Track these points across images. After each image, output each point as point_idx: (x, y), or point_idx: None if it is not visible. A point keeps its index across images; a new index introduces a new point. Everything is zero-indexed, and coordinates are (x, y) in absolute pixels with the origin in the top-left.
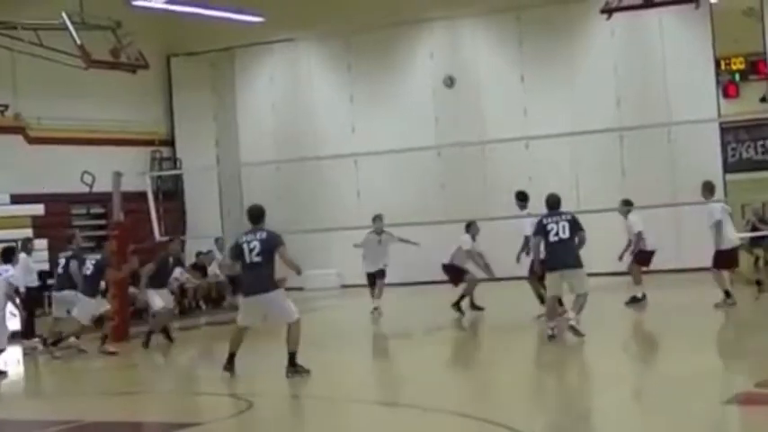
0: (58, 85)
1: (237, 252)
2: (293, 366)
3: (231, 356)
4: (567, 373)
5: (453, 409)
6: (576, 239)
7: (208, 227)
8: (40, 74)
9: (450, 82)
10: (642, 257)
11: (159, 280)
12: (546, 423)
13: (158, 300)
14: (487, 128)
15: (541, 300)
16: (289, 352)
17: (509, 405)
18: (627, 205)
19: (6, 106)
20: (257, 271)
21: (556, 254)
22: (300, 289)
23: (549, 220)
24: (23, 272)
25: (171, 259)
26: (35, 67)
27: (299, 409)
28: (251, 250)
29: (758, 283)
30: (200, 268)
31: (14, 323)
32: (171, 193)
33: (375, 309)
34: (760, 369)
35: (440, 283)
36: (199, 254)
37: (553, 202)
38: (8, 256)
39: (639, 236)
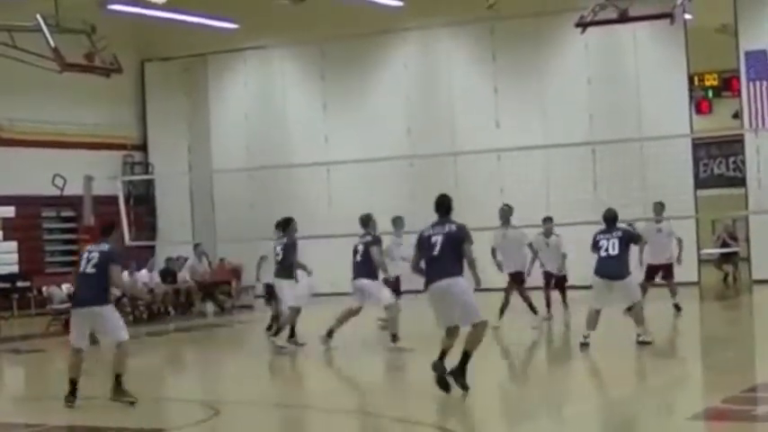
0: (32, 88)
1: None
2: (118, 390)
3: (71, 383)
4: (529, 386)
5: (422, 419)
6: (628, 253)
7: (178, 233)
8: (14, 76)
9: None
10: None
11: (287, 269)
12: None
13: (289, 292)
14: (460, 139)
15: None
16: (114, 373)
17: (469, 415)
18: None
19: None
20: (89, 282)
21: (603, 266)
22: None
23: (602, 236)
24: None
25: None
26: (8, 69)
27: (265, 417)
28: (89, 260)
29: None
30: (169, 274)
31: None
32: (142, 198)
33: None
34: (728, 384)
35: (407, 293)
36: (168, 259)
37: (609, 219)
38: None
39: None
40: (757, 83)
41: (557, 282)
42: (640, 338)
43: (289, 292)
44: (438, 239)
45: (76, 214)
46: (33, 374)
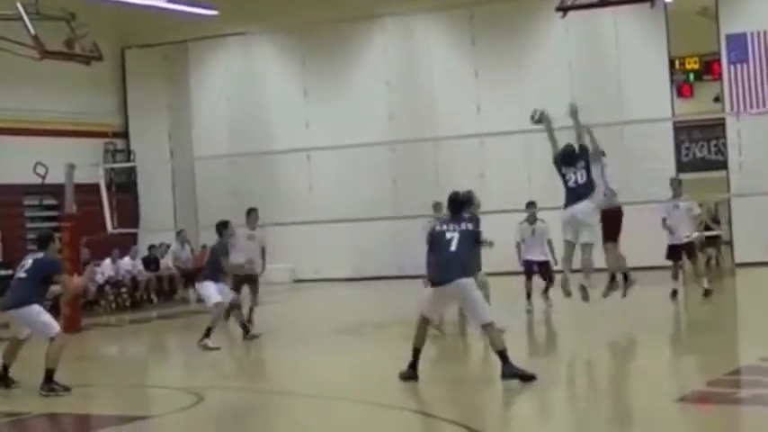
0: (12, 76)
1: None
2: (48, 384)
3: (4, 368)
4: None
5: (404, 404)
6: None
7: (161, 220)
8: None
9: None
10: None
11: (213, 271)
12: (496, 420)
13: (212, 290)
14: (441, 124)
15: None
16: (46, 368)
17: (456, 401)
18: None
19: None
20: (17, 286)
21: (571, 196)
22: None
23: (567, 170)
24: None
25: (222, 248)
26: None
27: (249, 403)
28: (22, 266)
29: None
30: (152, 261)
31: None
32: (124, 186)
33: None
34: (712, 367)
35: (390, 278)
36: (151, 246)
37: (569, 152)
38: None
39: None
40: (738, 66)
41: (542, 270)
42: (583, 284)
43: (212, 291)
44: (454, 236)
45: (58, 202)
46: (16, 362)
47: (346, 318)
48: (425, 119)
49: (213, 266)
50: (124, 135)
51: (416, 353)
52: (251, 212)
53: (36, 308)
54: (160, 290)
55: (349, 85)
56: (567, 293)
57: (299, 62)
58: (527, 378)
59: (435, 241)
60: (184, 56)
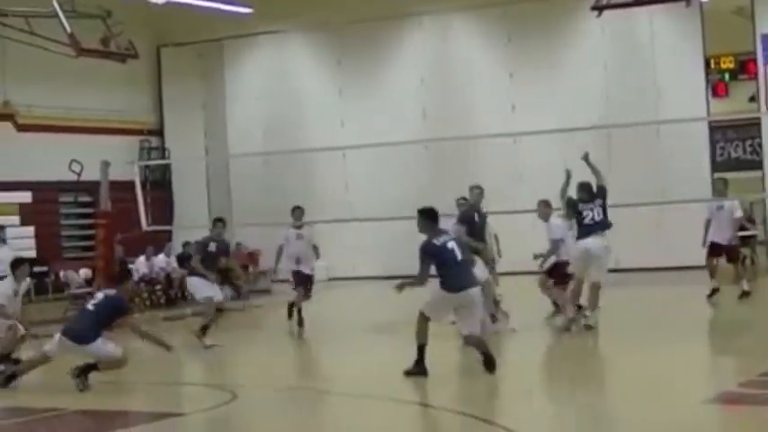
0: (48, 74)
1: None
2: (82, 371)
3: (19, 372)
4: (547, 370)
5: (439, 404)
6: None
7: (195, 217)
8: (30, 61)
9: None
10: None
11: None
12: (526, 418)
13: (202, 286)
14: (475, 123)
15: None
16: (94, 362)
17: (484, 401)
18: (547, 207)
19: None
20: (83, 317)
21: (587, 231)
22: (287, 281)
23: (584, 206)
24: None
25: (212, 243)
26: (25, 55)
27: (282, 401)
28: (94, 298)
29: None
30: (186, 258)
31: None
32: (159, 183)
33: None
34: (745, 368)
35: None
36: (185, 244)
37: (588, 189)
38: None
39: (557, 244)
40: None
41: (562, 272)
42: (584, 322)
43: (202, 286)
44: (454, 245)
45: (93, 199)
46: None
47: (379, 316)
48: (460, 118)
49: (205, 262)
50: (159, 133)
51: (421, 349)
52: (296, 210)
53: (99, 341)
54: None
55: (384, 83)
56: (567, 329)
57: (333, 60)
58: (489, 360)
59: (441, 254)
60: (220, 54)
